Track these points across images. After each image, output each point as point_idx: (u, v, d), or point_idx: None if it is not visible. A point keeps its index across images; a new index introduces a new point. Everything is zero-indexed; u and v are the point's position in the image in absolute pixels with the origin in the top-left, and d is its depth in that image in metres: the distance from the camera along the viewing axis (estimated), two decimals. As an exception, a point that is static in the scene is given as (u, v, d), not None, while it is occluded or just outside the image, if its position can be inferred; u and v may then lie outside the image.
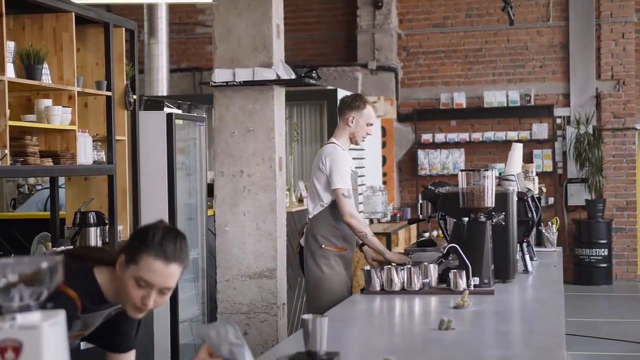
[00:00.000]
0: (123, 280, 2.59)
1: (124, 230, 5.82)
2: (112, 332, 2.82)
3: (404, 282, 4.26)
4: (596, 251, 12.15)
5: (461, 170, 4.47)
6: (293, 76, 5.85)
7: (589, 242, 12.17)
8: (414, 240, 10.38)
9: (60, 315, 1.82)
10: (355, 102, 5.30)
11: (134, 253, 2.57)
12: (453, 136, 12.76)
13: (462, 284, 4.19)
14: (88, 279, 2.66)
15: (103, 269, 2.68)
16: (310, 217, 5.27)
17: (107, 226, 5.56)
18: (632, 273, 12.53)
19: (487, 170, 4.43)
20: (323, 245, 5.17)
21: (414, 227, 11.44)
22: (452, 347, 3.05)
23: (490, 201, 4.41)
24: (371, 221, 10.21)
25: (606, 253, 12.18)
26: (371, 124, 5.32)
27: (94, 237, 5.44)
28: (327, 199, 5.15)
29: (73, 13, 5.20)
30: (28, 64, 4.83)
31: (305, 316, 2.76)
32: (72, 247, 5.07)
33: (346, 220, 5.05)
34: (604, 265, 12.19)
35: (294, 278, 7.29)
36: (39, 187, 9.13)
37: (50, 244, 5.44)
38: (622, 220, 12.52)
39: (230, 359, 2.66)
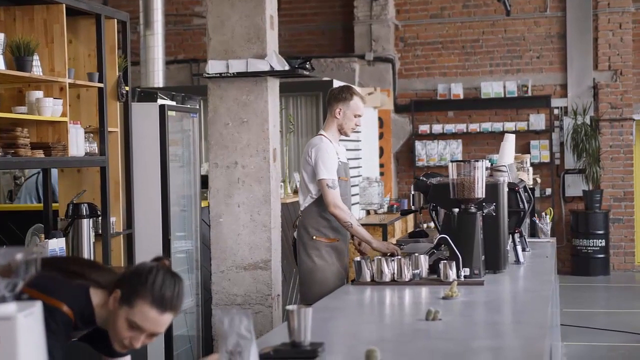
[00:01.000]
0: (115, 316, 2.59)
1: (116, 222, 5.82)
2: (107, 337, 2.80)
3: (394, 273, 4.27)
4: (593, 242, 12.16)
5: (451, 161, 4.47)
6: (286, 67, 5.85)
7: (586, 233, 12.18)
8: (410, 230, 10.38)
9: (36, 306, 1.82)
10: (342, 93, 5.31)
11: (130, 294, 2.57)
12: (450, 127, 12.75)
13: (452, 274, 4.19)
14: (84, 298, 2.64)
15: (98, 291, 2.66)
16: (301, 209, 5.29)
17: (99, 218, 5.56)
18: (630, 264, 12.54)
19: (478, 161, 4.43)
20: (314, 237, 5.19)
21: (411, 218, 11.45)
22: (437, 338, 3.06)
23: (480, 192, 4.41)
24: (368, 212, 10.22)
25: (603, 244, 12.18)
26: (359, 115, 5.32)
27: (87, 228, 5.43)
28: (315, 190, 5.18)
29: (64, 4, 5.18)
30: (18, 56, 4.82)
31: (290, 307, 2.77)
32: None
33: (330, 210, 5.08)
34: (602, 256, 12.20)
35: (289, 269, 7.29)
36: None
37: (43, 235, 5.44)
38: (619, 210, 12.52)
39: (234, 351, 2.66)
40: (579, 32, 12.50)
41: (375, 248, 5.14)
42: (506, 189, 4.71)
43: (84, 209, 5.44)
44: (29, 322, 1.79)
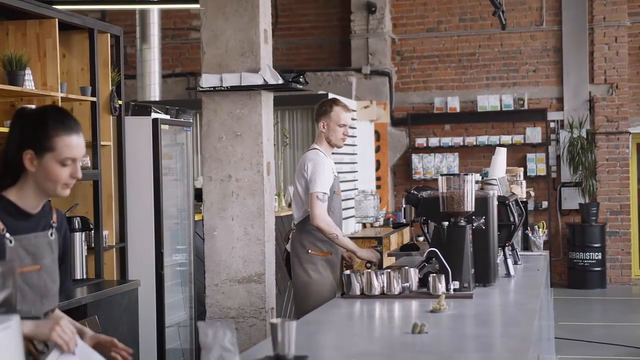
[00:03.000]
0: (43, 170, 2.66)
1: (109, 236, 5.83)
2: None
3: (383, 287, 4.27)
4: (590, 255, 12.16)
5: (441, 175, 4.48)
6: (280, 81, 5.88)
7: (582, 246, 12.18)
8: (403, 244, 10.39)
9: (14, 320, 1.84)
10: (323, 107, 5.40)
11: (43, 143, 2.65)
12: (447, 140, 12.78)
13: (441, 288, 4.19)
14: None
15: (9, 190, 2.71)
16: (295, 222, 5.32)
17: (92, 231, 5.57)
18: (626, 277, 12.53)
19: (467, 174, 4.45)
20: (310, 250, 5.21)
21: (407, 231, 11.46)
22: (422, 351, 3.06)
23: (470, 205, 4.42)
24: (364, 225, 10.23)
25: (600, 257, 12.18)
26: (344, 125, 5.36)
27: (79, 242, 5.45)
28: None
29: (56, 19, 5.22)
30: (10, 70, 4.85)
31: (274, 320, 2.78)
32: None
33: (315, 223, 5.12)
34: (598, 269, 12.19)
35: (283, 283, 7.30)
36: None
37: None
38: (615, 224, 12.53)
39: None
40: (575, 45, 12.54)
41: (361, 257, 5.21)
42: (496, 203, 4.72)
43: (77, 223, 5.45)
44: (6, 335, 1.80)
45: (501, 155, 5.49)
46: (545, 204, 12.46)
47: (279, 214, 7.34)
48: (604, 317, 10.51)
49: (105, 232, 5.72)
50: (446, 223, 4.42)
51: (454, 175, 4.47)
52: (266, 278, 5.75)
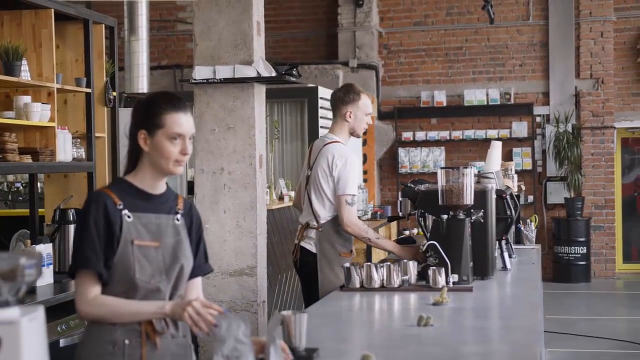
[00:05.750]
0: (156, 148, 2.84)
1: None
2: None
3: (383, 279, 4.28)
4: (575, 249, 12.23)
5: (441, 168, 4.49)
6: (273, 74, 5.86)
7: (567, 240, 12.26)
8: (394, 237, 10.41)
9: (39, 312, 1.82)
10: (349, 95, 5.04)
11: (153, 121, 2.83)
12: (433, 134, 12.80)
13: (441, 281, 4.21)
14: (117, 181, 2.93)
15: (129, 174, 2.92)
16: (321, 221, 4.97)
17: (86, 223, 5.53)
18: (610, 271, 12.63)
19: (467, 168, 4.45)
20: (341, 253, 4.97)
21: (394, 224, 11.48)
22: (430, 343, 3.07)
23: (469, 199, 4.43)
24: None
25: (585, 251, 12.26)
26: (369, 114, 5.10)
27: (73, 234, 5.40)
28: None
29: (52, 9, 5.17)
30: (7, 61, 4.81)
31: (285, 313, 2.77)
32: None
33: (345, 229, 4.85)
34: (583, 262, 12.28)
35: (274, 276, 7.29)
36: (17, 184, 9.09)
37: (29, 241, 5.41)
38: (600, 218, 12.61)
39: (231, 356, 2.66)
40: (561, 40, 12.59)
41: (400, 256, 4.78)
42: (494, 196, 4.74)
43: (71, 215, 5.41)
44: (32, 326, 1.79)
45: (497, 148, 5.50)
46: (530, 198, 12.53)
47: (269, 207, 7.32)
48: (590, 311, 10.58)
49: (99, 224, 5.68)
50: (445, 216, 4.43)
51: (453, 168, 4.47)
52: (258, 271, 5.74)
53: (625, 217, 13.03)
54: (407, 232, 12.07)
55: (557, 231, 12.38)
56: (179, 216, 2.96)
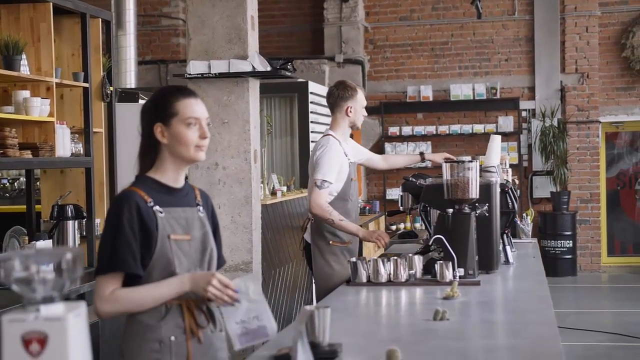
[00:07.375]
0: (175, 136, 2.83)
1: (101, 224, 5.75)
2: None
3: (390, 274, 4.27)
4: (561, 243, 12.30)
5: (445, 161, 4.48)
6: (268, 68, 5.84)
7: (554, 234, 12.31)
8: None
9: (82, 307, 1.80)
10: (347, 91, 5.24)
11: (167, 111, 2.83)
12: (420, 129, 12.81)
13: (449, 275, 4.20)
14: (140, 178, 2.89)
15: (150, 171, 2.89)
16: (313, 212, 5.08)
17: (85, 219, 5.49)
18: (596, 264, 12.70)
19: (472, 161, 4.45)
20: (331, 242, 5.10)
21: (382, 219, 11.48)
22: (449, 337, 3.06)
23: (474, 192, 4.43)
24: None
25: (571, 245, 12.33)
26: (365, 105, 5.37)
27: (72, 230, 5.36)
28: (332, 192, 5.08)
29: (51, 3, 5.12)
30: (7, 55, 4.75)
31: (309, 307, 2.75)
32: None
33: (311, 210, 5.00)
34: (569, 256, 12.34)
35: (269, 271, 7.27)
36: (4, 181, 9.00)
37: (26, 237, 5.36)
38: (586, 212, 12.68)
39: (249, 318, 2.68)
40: (547, 35, 12.64)
41: (363, 238, 5.08)
42: (498, 190, 4.74)
43: (69, 211, 5.37)
44: (77, 322, 1.76)
45: (496, 142, 5.50)
46: (517, 193, 12.55)
47: (263, 202, 7.29)
48: (577, 304, 10.64)
49: (97, 220, 5.64)
50: (451, 210, 4.43)
51: (458, 162, 4.46)
52: (253, 266, 5.73)
53: (609, 211, 13.11)
54: (393, 227, 12.09)
55: (543, 225, 12.43)
56: (200, 208, 2.95)
